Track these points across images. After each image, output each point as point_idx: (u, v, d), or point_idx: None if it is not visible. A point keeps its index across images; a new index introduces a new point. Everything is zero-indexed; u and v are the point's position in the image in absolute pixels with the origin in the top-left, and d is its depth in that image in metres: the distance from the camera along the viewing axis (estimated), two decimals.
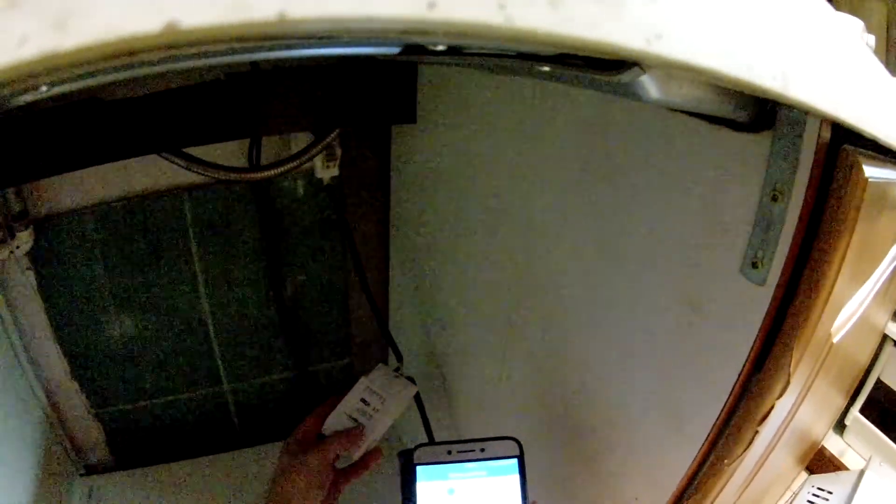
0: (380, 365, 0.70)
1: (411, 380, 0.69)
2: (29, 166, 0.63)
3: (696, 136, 0.40)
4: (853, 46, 0.26)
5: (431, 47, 0.22)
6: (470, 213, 0.73)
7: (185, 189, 0.84)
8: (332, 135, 0.81)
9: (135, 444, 1.01)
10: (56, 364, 0.89)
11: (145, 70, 0.23)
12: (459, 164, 0.73)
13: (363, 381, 0.67)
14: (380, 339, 1.07)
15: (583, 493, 0.61)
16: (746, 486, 0.48)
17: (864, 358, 0.64)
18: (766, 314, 0.37)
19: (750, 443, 0.41)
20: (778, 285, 0.36)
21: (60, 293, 0.84)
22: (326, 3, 0.10)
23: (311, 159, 0.82)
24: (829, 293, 0.35)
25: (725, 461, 0.42)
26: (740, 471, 0.43)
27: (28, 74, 0.10)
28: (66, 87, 0.25)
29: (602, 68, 0.23)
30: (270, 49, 0.20)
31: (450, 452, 0.50)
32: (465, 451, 0.50)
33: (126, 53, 0.09)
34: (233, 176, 0.77)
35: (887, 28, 0.84)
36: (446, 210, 0.79)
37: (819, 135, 0.33)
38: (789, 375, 0.38)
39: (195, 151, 0.73)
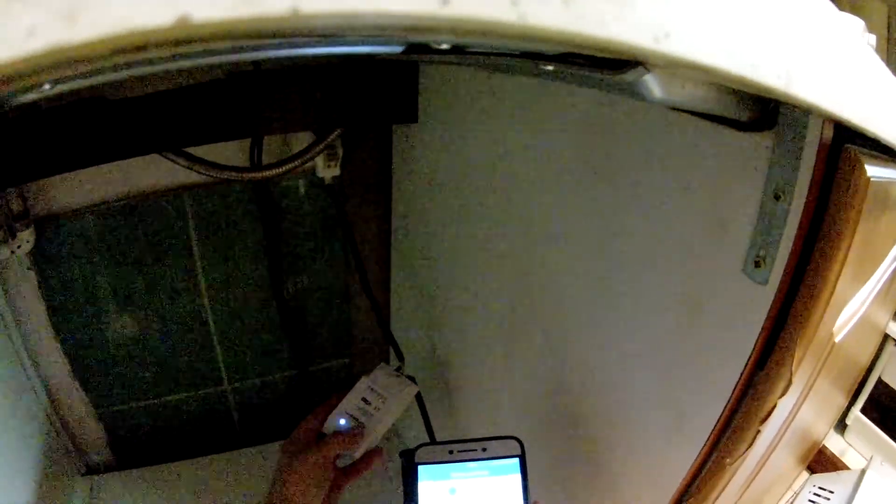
0: (381, 364, 0.70)
1: (412, 379, 0.69)
2: (30, 166, 0.63)
3: (698, 135, 0.40)
4: (856, 46, 0.26)
5: (435, 46, 0.22)
6: (471, 212, 0.73)
7: (186, 189, 0.84)
8: (334, 134, 0.81)
9: (136, 444, 1.01)
10: (57, 363, 0.89)
11: (150, 69, 0.23)
12: (461, 163, 0.73)
13: (364, 381, 0.67)
14: (380, 339, 1.07)
15: (584, 493, 0.61)
16: (748, 486, 0.48)
17: (866, 357, 0.64)
18: (768, 313, 0.37)
19: (752, 442, 0.41)
20: (780, 285, 0.36)
21: (62, 293, 0.84)
22: None
23: (312, 159, 0.82)
24: (831, 293, 0.35)
25: (727, 461, 0.42)
26: (742, 470, 0.43)
27: (36, 68, 0.10)
28: (69, 86, 0.25)
29: (606, 67, 0.23)
30: (275, 47, 0.20)
31: (451, 452, 0.50)
32: (466, 451, 0.50)
33: (136, 48, 0.09)
34: (234, 175, 0.77)
35: (888, 27, 0.84)
36: (447, 209, 0.79)
37: (821, 134, 0.33)
38: (791, 375, 0.38)
39: (197, 151, 0.73)
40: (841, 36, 0.23)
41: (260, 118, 0.72)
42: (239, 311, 0.96)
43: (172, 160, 0.72)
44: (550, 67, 0.25)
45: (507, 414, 0.75)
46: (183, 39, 0.09)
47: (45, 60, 0.09)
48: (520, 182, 0.62)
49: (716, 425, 0.43)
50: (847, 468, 0.62)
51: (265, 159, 0.83)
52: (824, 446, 0.65)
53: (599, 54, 0.14)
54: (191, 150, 0.73)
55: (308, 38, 0.13)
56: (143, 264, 0.87)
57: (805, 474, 0.64)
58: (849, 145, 0.33)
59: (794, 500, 0.60)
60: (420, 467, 0.50)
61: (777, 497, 0.61)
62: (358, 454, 0.60)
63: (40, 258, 0.81)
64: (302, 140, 0.84)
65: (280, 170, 0.79)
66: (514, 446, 0.51)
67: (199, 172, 0.74)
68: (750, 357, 0.39)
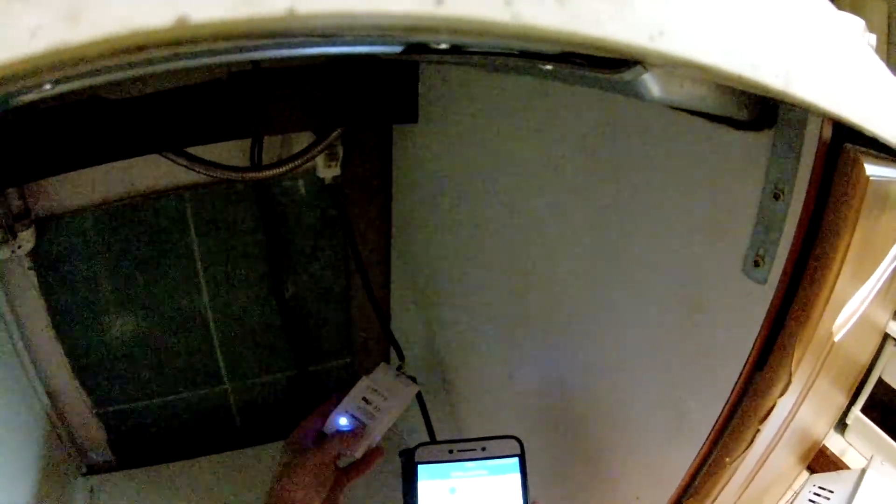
0: (382, 364, 0.70)
1: (413, 379, 0.69)
2: (31, 166, 0.63)
3: (697, 134, 0.40)
4: (855, 45, 0.26)
5: (434, 45, 0.22)
6: (471, 212, 0.73)
7: (186, 188, 0.84)
8: (334, 134, 0.81)
9: (136, 444, 1.01)
10: (58, 363, 0.89)
11: (151, 68, 0.23)
12: (461, 163, 0.73)
13: (365, 380, 0.67)
14: (381, 339, 1.07)
15: (584, 492, 0.61)
16: (748, 485, 0.48)
17: (866, 357, 0.64)
18: (768, 313, 0.38)
19: (751, 441, 0.41)
20: (779, 284, 0.36)
21: (62, 293, 0.84)
22: None
23: (312, 159, 0.82)
24: (831, 292, 0.35)
25: (727, 460, 0.42)
26: (741, 469, 0.43)
27: (39, 67, 0.10)
28: (69, 86, 0.25)
29: (605, 66, 0.23)
30: (274, 47, 0.20)
31: (451, 451, 0.50)
32: (466, 450, 0.50)
33: (137, 48, 0.09)
34: (234, 175, 0.77)
35: (888, 27, 0.84)
36: (448, 210, 0.79)
37: (820, 133, 0.33)
38: (790, 374, 0.38)
39: (197, 151, 0.73)
40: (840, 35, 0.23)
41: (260, 118, 0.72)
42: (239, 311, 0.96)
43: (173, 160, 0.72)
44: (549, 67, 0.26)
45: (507, 413, 0.75)
46: (182, 39, 0.09)
47: (47, 60, 0.09)
48: (520, 182, 0.62)
49: (715, 424, 0.43)
50: (847, 468, 0.62)
51: (265, 159, 0.83)
52: (824, 446, 0.65)
53: (596, 53, 0.14)
54: (191, 150, 0.73)
55: (306, 38, 0.13)
56: (143, 264, 0.87)
57: (805, 474, 0.64)
58: (848, 144, 0.33)
59: (794, 499, 0.60)
60: (420, 466, 0.50)
61: (777, 496, 0.61)
62: (358, 454, 0.60)
63: (41, 258, 0.81)
64: (302, 140, 0.84)
65: (280, 170, 0.79)
66: (513, 446, 0.51)
67: (200, 172, 0.74)
68: (749, 356, 0.39)
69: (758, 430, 0.40)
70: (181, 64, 0.24)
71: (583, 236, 0.55)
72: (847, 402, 0.67)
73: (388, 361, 0.73)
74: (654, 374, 0.49)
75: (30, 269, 0.81)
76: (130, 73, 0.24)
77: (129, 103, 0.63)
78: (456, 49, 0.24)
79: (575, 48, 0.13)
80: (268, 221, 0.91)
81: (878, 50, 0.33)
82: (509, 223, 0.66)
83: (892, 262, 0.49)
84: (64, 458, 0.94)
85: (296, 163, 0.79)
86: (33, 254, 0.79)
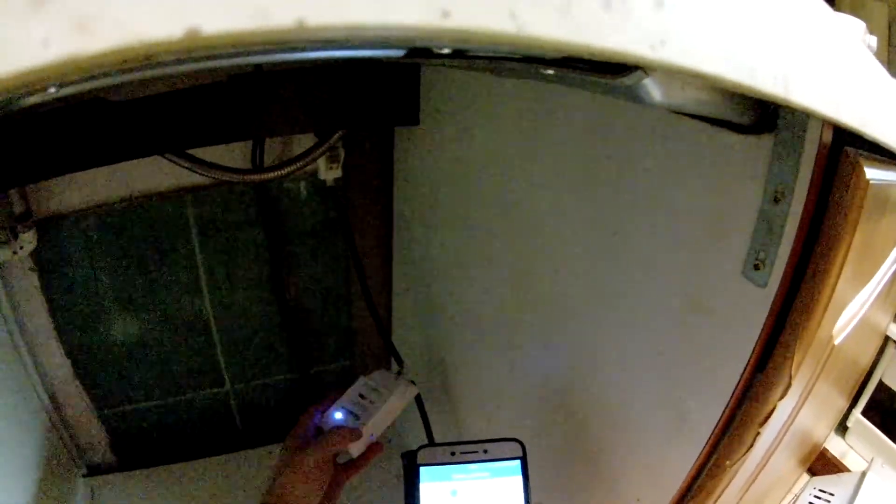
0: (381, 369, 0.71)
1: (412, 383, 0.69)
2: (32, 167, 0.63)
3: (697, 137, 0.40)
4: (853, 49, 0.26)
5: (437, 50, 0.22)
6: (473, 214, 0.73)
7: (188, 190, 0.84)
8: (335, 136, 0.81)
9: (137, 445, 1.01)
10: (59, 364, 0.89)
11: (154, 72, 0.23)
12: (462, 165, 0.73)
13: (362, 379, 0.67)
14: (382, 341, 1.07)
15: (585, 494, 0.61)
16: (748, 488, 0.48)
17: (866, 360, 0.64)
18: (768, 316, 0.38)
19: (752, 444, 0.41)
20: (779, 287, 0.37)
21: (63, 294, 0.85)
22: (344, 12, 0.10)
23: (314, 161, 0.82)
24: (831, 295, 0.35)
25: (727, 462, 0.42)
26: (742, 472, 0.43)
27: (49, 77, 0.10)
28: (73, 89, 0.25)
29: (606, 71, 0.23)
30: (278, 52, 0.20)
31: (453, 454, 0.50)
32: (468, 453, 0.50)
33: (146, 58, 0.09)
34: (236, 177, 0.77)
35: (889, 29, 0.84)
36: (449, 212, 0.79)
37: (820, 137, 0.33)
38: (791, 377, 0.38)
39: (198, 153, 0.73)
40: (838, 39, 0.23)
41: (261, 120, 0.72)
42: (240, 313, 0.97)
43: (174, 162, 0.72)
44: (551, 71, 0.26)
45: (508, 416, 0.75)
46: (192, 51, 0.10)
47: (58, 71, 0.09)
48: (521, 184, 0.62)
49: (715, 427, 0.43)
50: (848, 470, 0.62)
51: (267, 161, 0.83)
52: (825, 448, 0.65)
53: (598, 59, 0.14)
54: (192, 151, 0.73)
55: (311, 44, 0.13)
56: (144, 266, 0.87)
57: (805, 476, 0.64)
58: (848, 148, 0.33)
59: (794, 502, 0.60)
60: (422, 468, 0.50)
61: (777, 499, 0.61)
62: (355, 452, 0.60)
63: (42, 259, 0.81)
64: (303, 142, 0.84)
65: (281, 172, 0.79)
66: (515, 448, 0.51)
67: (201, 174, 0.75)
68: (749, 359, 0.39)
69: (758, 433, 0.40)
70: (185, 68, 0.24)
71: (583, 239, 0.55)
72: (848, 405, 0.67)
73: (388, 365, 0.73)
74: (655, 376, 0.49)
75: (31, 270, 0.81)
76: (134, 76, 0.25)
77: (131, 105, 0.64)
78: (458, 53, 0.24)
79: (577, 56, 0.14)
80: (269, 223, 0.91)
81: (878, 52, 0.34)
82: (510, 225, 0.66)
83: (892, 264, 0.49)
84: (64, 459, 0.94)
85: (297, 165, 0.79)
86: (35, 255, 0.80)
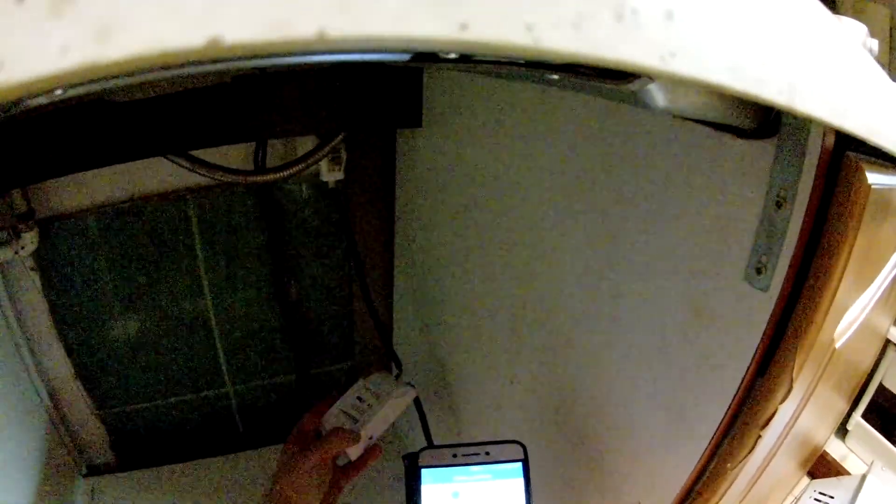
0: (380, 371, 0.71)
1: (411, 385, 0.69)
2: (35, 167, 0.63)
3: (700, 142, 0.40)
4: (856, 55, 0.26)
5: (443, 55, 0.22)
6: (474, 217, 0.74)
7: (190, 191, 0.85)
8: (338, 138, 0.81)
9: (137, 445, 1.01)
10: (60, 364, 0.89)
11: (162, 74, 0.23)
12: (464, 168, 0.74)
13: (361, 382, 0.67)
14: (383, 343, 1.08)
15: (585, 497, 0.61)
16: (748, 491, 0.48)
17: (867, 363, 0.64)
18: (770, 320, 0.38)
19: (753, 448, 0.41)
20: (781, 291, 0.37)
21: (65, 294, 0.85)
22: (364, 24, 0.10)
23: (316, 162, 0.82)
24: (832, 299, 0.36)
25: (728, 465, 0.43)
26: (743, 475, 0.44)
27: (65, 83, 0.10)
28: (80, 91, 0.25)
29: (611, 77, 0.23)
30: (287, 57, 0.21)
31: (455, 455, 0.51)
32: (470, 455, 0.51)
33: (164, 66, 0.10)
34: (238, 178, 0.78)
35: (890, 32, 0.84)
36: (451, 214, 0.80)
37: (823, 141, 0.33)
38: (792, 381, 0.38)
39: (201, 154, 0.73)
40: (842, 46, 0.24)
41: (264, 122, 0.72)
42: (241, 314, 0.97)
43: (176, 163, 0.72)
44: (556, 76, 0.26)
45: (509, 419, 0.75)
46: (212, 60, 0.10)
47: (75, 78, 0.09)
48: (523, 187, 0.63)
49: (717, 430, 0.43)
50: (848, 473, 0.62)
51: (269, 163, 0.83)
52: (825, 452, 0.65)
53: (607, 67, 0.14)
54: (195, 152, 0.73)
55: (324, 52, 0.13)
56: (146, 266, 0.87)
57: (805, 479, 0.64)
58: (850, 153, 0.33)
59: None
60: (423, 470, 0.50)
61: (777, 502, 0.61)
62: (354, 455, 0.60)
63: (44, 259, 0.81)
64: (306, 144, 0.85)
65: (284, 173, 0.79)
66: (517, 450, 0.51)
67: (203, 175, 0.75)
68: (751, 363, 0.39)
69: (759, 436, 0.40)
70: (189, 71, 0.24)
71: (585, 242, 0.55)
72: (848, 408, 0.67)
73: (388, 368, 0.73)
74: (656, 379, 0.49)
75: (33, 269, 0.81)
76: (142, 78, 0.25)
77: (134, 106, 0.64)
78: (465, 58, 0.24)
79: (589, 65, 0.14)
80: (271, 224, 0.91)
81: (879, 56, 0.34)
82: (511, 228, 0.66)
83: (893, 269, 0.49)
84: (65, 459, 0.94)
85: (299, 166, 0.80)
86: (36, 255, 0.80)
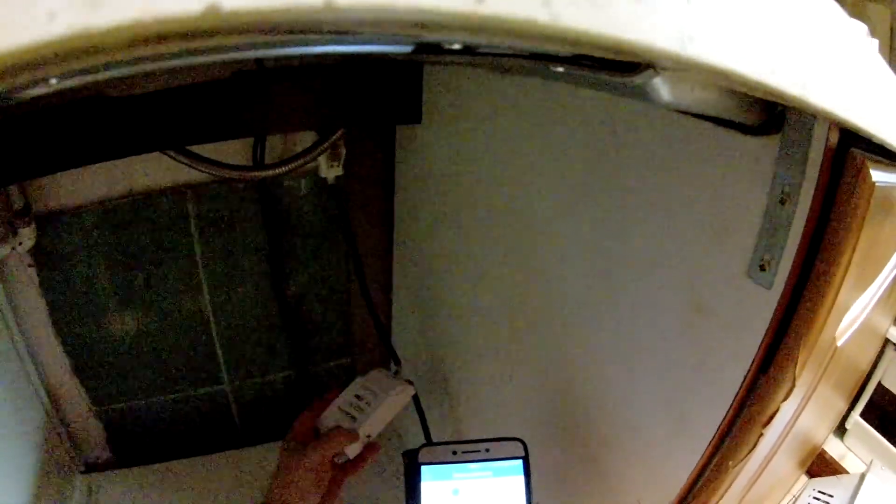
0: (378, 368, 0.71)
1: (409, 382, 0.69)
2: (32, 163, 0.63)
3: (703, 138, 0.40)
4: (865, 51, 0.26)
5: (446, 46, 0.22)
6: (474, 214, 0.73)
7: (188, 187, 0.84)
8: (337, 134, 0.81)
9: (135, 442, 1.01)
10: (57, 361, 0.89)
11: (158, 64, 0.23)
12: (464, 164, 0.73)
13: (359, 380, 0.67)
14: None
15: (586, 495, 0.61)
16: (749, 489, 0.48)
17: (866, 362, 0.64)
18: (773, 317, 0.38)
19: (754, 446, 0.41)
20: (785, 288, 0.36)
21: (62, 290, 0.84)
22: None
23: (315, 158, 0.82)
24: (836, 296, 0.35)
25: (730, 464, 0.42)
26: (744, 474, 0.43)
27: (57, 55, 0.09)
28: (74, 81, 0.25)
29: (616, 70, 0.23)
30: (288, 45, 0.20)
31: (455, 453, 0.50)
32: (470, 452, 0.50)
33: (159, 38, 0.09)
34: (237, 174, 0.77)
35: (891, 32, 0.84)
36: (450, 210, 0.79)
37: (827, 138, 0.33)
38: (794, 379, 0.38)
39: (199, 149, 0.73)
40: (852, 41, 0.23)
41: (263, 117, 0.72)
42: (240, 310, 0.96)
43: (175, 158, 0.72)
44: (560, 69, 0.26)
45: (509, 417, 0.75)
46: (210, 30, 0.09)
47: (65, 47, 0.09)
48: (523, 184, 0.62)
49: (718, 428, 0.43)
50: (846, 472, 0.62)
51: (268, 158, 0.83)
52: (824, 450, 0.65)
53: (620, 57, 0.14)
54: (193, 148, 0.73)
55: (321, 36, 0.13)
56: (144, 262, 0.87)
57: (804, 478, 0.64)
58: (854, 150, 0.33)
59: (793, 503, 0.60)
60: (423, 467, 0.50)
61: (776, 500, 0.61)
62: (352, 454, 0.60)
63: (41, 255, 0.81)
64: (305, 140, 0.84)
65: (283, 169, 0.79)
66: (517, 448, 0.51)
67: (202, 171, 0.74)
68: (753, 360, 0.39)
69: (761, 435, 0.40)
70: (193, 60, 0.24)
71: (586, 238, 0.55)
72: (847, 407, 0.67)
73: (387, 365, 0.73)
74: (657, 376, 0.49)
75: (30, 266, 0.81)
76: (137, 69, 0.24)
77: (132, 101, 0.63)
78: (467, 50, 0.24)
79: (603, 51, 0.13)
80: (269, 221, 0.91)
81: (880, 55, 0.34)
82: (512, 224, 0.66)
83: (893, 268, 0.49)
84: (62, 456, 0.93)
85: (298, 162, 0.79)
86: (34, 251, 0.79)
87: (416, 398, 0.71)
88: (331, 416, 0.63)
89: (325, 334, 1.05)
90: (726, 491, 0.44)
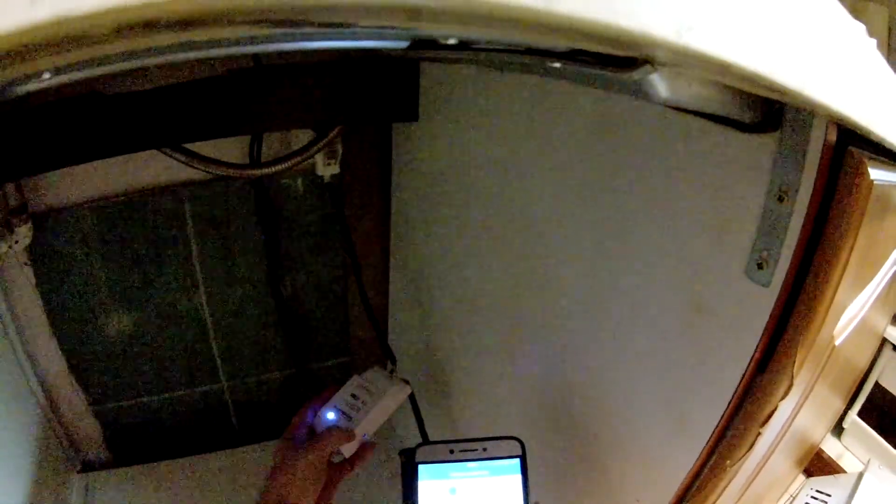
0: (375, 366, 0.70)
1: (406, 381, 0.69)
2: (28, 161, 0.63)
3: (701, 136, 0.40)
4: (865, 48, 0.26)
5: (442, 41, 0.22)
6: (471, 212, 0.73)
7: (185, 185, 0.84)
8: (334, 132, 0.81)
9: (132, 441, 1.01)
10: (54, 360, 0.88)
11: (153, 59, 0.23)
12: (461, 163, 0.73)
13: (356, 379, 0.67)
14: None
15: (584, 494, 0.61)
16: (746, 488, 0.48)
17: (863, 361, 0.64)
18: (771, 315, 0.37)
19: (752, 444, 0.41)
20: (783, 286, 0.36)
21: (59, 289, 0.84)
22: None
23: (312, 157, 0.81)
24: (834, 295, 0.35)
25: (727, 462, 0.42)
26: (741, 472, 0.43)
27: (40, 41, 0.09)
28: (68, 76, 0.24)
29: (614, 65, 0.23)
30: (281, 39, 0.20)
31: (452, 451, 0.50)
32: (467, 451, 0.50)
33: (146, 24, 0.09)
34: (233, 172, 0.77)
35: (889, 32, 0.84)
36: (447, 209, 0.79)
37: (825, 136, 0.33)
38: (792, 378, 0.38)
39: (196, 147, 0.73)
40: (851, 38, 0.23)
41: (260, 115, 0.71)
42: (236, 309, 0.96)
43: (171, 156, 0.71)
44: (557, 65, 0.25)
45: (507, 415, 0.75)
46: (197, 16, 0.09)
47: (49, 32, 0.08)
48: (521, 182, 0.62)
49: (716, 427, 0.43)
50: (843, 471, 0.62)
51: (265, 156, 0.83)
52: (821, 450, 0.65)
53: (616, 49, 0.14)
54: (190, 146, 0.72)
55: (317, 29, 0.12)
56: (140, 261, 0.87)
57: (802, 477, 0.64)
58: (853, 148, 0.33)
59: (790, 502, 0.60)
60: (420, 466, 0.50)
61: (774, 500, 0.61)
62: (347, 453, 0.60)
63: (37, 254, 0.80)
64: (301, 138, 0.84)
65: (279, 167, 0.78)
66: (514, 447, 0.51)
67: (198, 169, 0.74)
68: (751, 359, 0.39)
69: (759, 434, 0.40)
70: (185, 56, 0.24)
71: (584, 237, 0.55)
72: (844, 406, 0.67)
73: (383, 363, 0.73)
74: (655, 375, 0.49)
75: (26, 264, 0.80)
76: (132, 64, 0.24)
77: (128, 98, 0.63)
78: (463, 45, 0.24)
79: (597, 41, 0.13)
80: (266, 219, 0.90)
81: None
82: (509, 223, 0.66)
83: (892, 267, 0.49)
84: (59, 455, 0.93)
85: (295, 160, 0.79)
86: (30, 249, 0.79)
87: (412, 397, 0.70)
88: (327, 415, 0.62)
89: (321, 333, 1.05)
90: (724, 490, 0.44)
